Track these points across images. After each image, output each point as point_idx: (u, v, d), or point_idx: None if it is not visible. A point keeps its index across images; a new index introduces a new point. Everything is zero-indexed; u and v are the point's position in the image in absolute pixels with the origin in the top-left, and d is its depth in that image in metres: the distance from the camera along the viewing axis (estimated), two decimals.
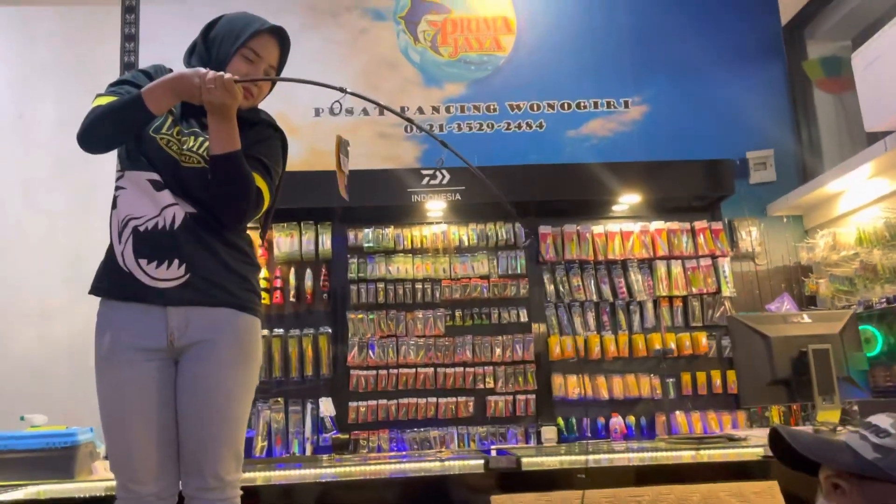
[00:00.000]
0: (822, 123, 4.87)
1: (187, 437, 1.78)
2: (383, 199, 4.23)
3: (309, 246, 4.33)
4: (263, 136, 1.94)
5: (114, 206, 1.83)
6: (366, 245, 4.34)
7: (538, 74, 4.89)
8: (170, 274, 1.77)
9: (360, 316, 4.28)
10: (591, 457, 2.86)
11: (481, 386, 4.26)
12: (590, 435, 4.18)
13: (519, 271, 4.39)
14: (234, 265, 1.85)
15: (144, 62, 4.62)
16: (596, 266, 4.45)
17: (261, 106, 2.01)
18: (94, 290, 1.84)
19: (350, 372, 4.23)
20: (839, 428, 2.84)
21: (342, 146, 1.95)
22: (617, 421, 4.13)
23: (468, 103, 4.85)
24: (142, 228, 1.78)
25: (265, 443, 4.10)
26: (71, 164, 4.49)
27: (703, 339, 4.33)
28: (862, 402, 3.39)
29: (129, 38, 4.81)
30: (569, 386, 4.26)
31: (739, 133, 4.78)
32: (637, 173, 4.32)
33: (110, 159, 1.89)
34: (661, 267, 4.43)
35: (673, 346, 4.30)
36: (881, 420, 1.10)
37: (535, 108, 4.84)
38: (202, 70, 1.73)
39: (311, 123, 4.72)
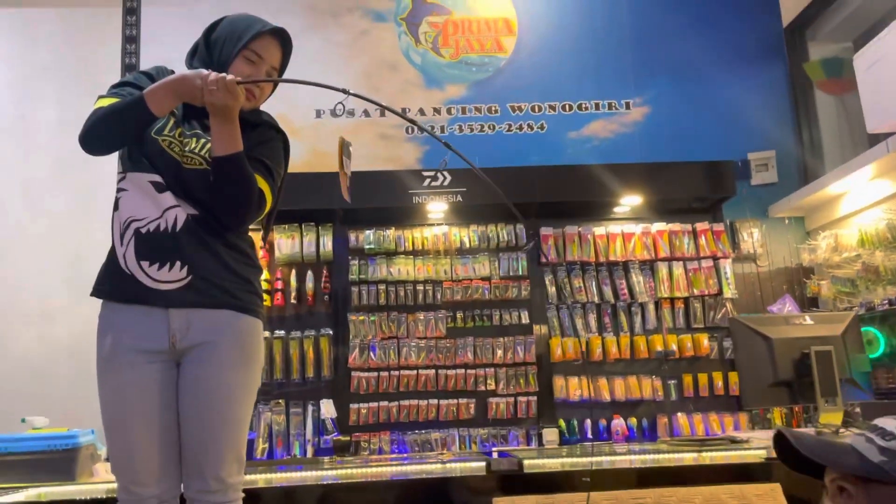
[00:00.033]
0: (824, 125, 4.87)
1: (189, 440, 1.78)
2: (384, 200, 4.23)
3: (310, 247, 4.32)
4: (265, 137, 1.94)
5: (115, 207, 1.83)
6: (367, 246, 4.34)
7: (539, 76, 4.89)
8: (171, 276, 1.76)
9: (361, 317, 4.27)
10: (593, 459, 2.85)
11: (482, 388, 4.25)
12: (591, 437, 4.17)
13: (520, 273, 4.39)
14: (236, 267, 1.85)
15: (145, 64, 4.63)
16: (597, 267, 4.44)
17: (262, 107, 2.00)
18: (96, 292, 1.83)
19: (351, 374, 4.23)
20: (841, 430, 2.83)
21: (344, 148, 1.95)
22: (618, 423, 4.13)
23: (469, 104, 4.85)
24: (144, 230, 1.77)
25: (266, 445, 4.09)
26: (72, 165, 4.49)
27: (704, 340, 4.32)
28: (864, 404, 3.38)
29: (130, 40, 4.81)
30: (570, 388, 4.26)
31: (741, 134, 4.78)
32: (638, 175, 4.32)
33: (111, 161, 1.89)
34: (662, 268, 4.43)
35: (674, 347, 4.30)
36: (887, 423, 1.10)
37: (537, 109, 4.84)
38: (204, 71, 1.72)
39: (313, 125, 4.72)
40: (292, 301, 4.31)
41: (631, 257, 4.42)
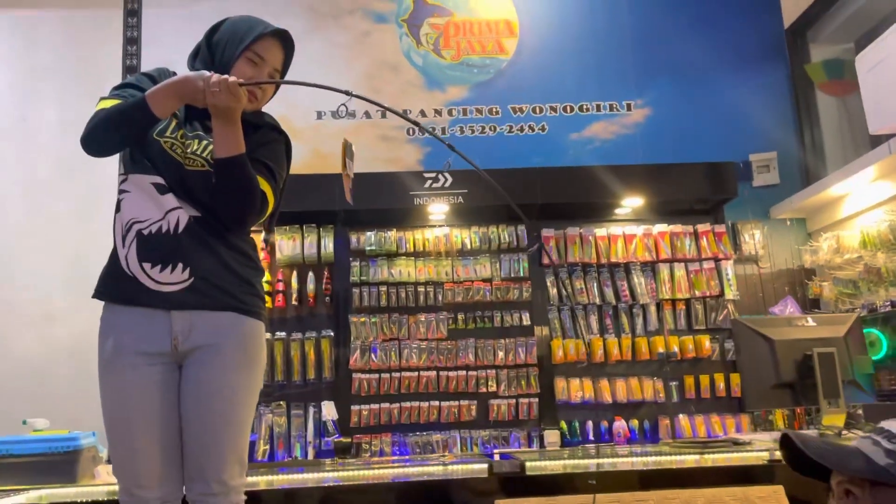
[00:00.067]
0: (826, 126, 4.86)
1: (191, 442, 1.77)
2: (386, 202, 4.23)
3: (311, 249, 4.32)
4: (267, 139, 1.93)
5: (117, 209, 1.82)
6: (368, 248, 4.33)
7: (540, 77, 4.89)
8: (174, 278, 1.76)
9: (362, 319, 4.27)
10: (595, 461, 2.85)
11: (484, 389, 4.25)
12: (593, 438, 4.17)
13: (521, 274, 4.38)
14: (239, 269, 1.84)
15: (146, 65, 4.63)
16: (599, 269, 4.44)
17: (263, 109, 2.00)
18: (98, 295, 1.83)
19: (352, 375, 4.22)
20: (844, 432, 2.83)
21: (347, 150, 1.94)
22: (620, 424, 4.12)
23: (470, 106, 4.85)
24: (146, 232, 1.77)
25: (267, 446, 4.09)
26: (73, 166, 4.49)
27: (706, 342, 4.31)
28: (866, 406, 3.37)
29: (132, 42, 4.81)
30: (571, 389, 4.25)
31: (742, 136, 4.78)
32: (640, 176, 4.31)
33: (112, 162, 1.88)
34: (663, 270, 4.43)
35: (676, 349, 4.29)
36: (893, 425, 1.09)
37: (538, 110, 4.84)
38: (206, 73, 1.72)
39: (314, 126, 4.72)
40: (293, 302, 4.30)
41: (632, 259, 4.42)
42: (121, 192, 1.82)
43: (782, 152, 4.76)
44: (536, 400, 4.25)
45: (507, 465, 2.65)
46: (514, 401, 4.24)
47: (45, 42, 4.81)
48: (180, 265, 1.76)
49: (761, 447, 2.82)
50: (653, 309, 4.40)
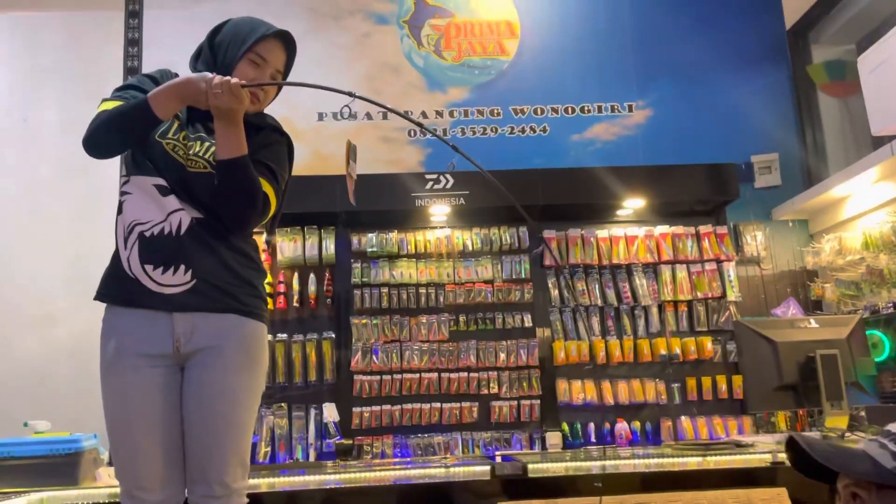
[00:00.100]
0: (828, 127, 4.86)
1: (193, 444, 1.76)
2: (387, 203, 4.22)
3: (312, 250, 4.31)
4: (270, 140, 1.93)
5: (119, 211, 1.82)
6: (369, 249, 4.33)
7: (542, 78, 4.89)
8: (176, 280, 1.76)
9: (363, 321, 4.26)
10: (597, 463, 2.84)
11: (485, 391, 4.24)
12: (595, 440, 4.16)
13: (523, 276, 4.37)
14: (241, 271, 1.84)
15: (148, 67, 4.63)
16: (600, 270, 4.43)
17: (264, 110, 2.00)
18: (100, 297, 1.83)
19: (354, 377, 4.21)
20: (847, 434, 2.82)
21: (351, 151, 1.94)
22: (622, 426, 4.11)
23: (471, 107, 4.85)
24: (148, 234, 1.77)
25: (268, 448, 4.08)
26: (74, 168, 4.49)
27: (708, 343, 4.30)
28: (869, 408, 3.37)
29: (133, 43, 4.81)
30: (573, 391, 4.24)
31: (744, 137, 4.77)
32: (641, 177, 4.31)
33: (113, 164, 1.88)
34: (665, 271, 4.42)
35: (678, 350, 4.28)
36: None
37: (539, 112, 4.83)
38: (209, 75, 1.72)
39: (315, 127, 4.72)
40: (295, 304, 4.30)
41: (634, 260, 4.41)
42: (122, 193, 1.82)
43: (784, 153, 4.75)
44: (538, 402, 4.24)
45: (509, 467, 2.65)
46: (515, 402, 4.23)
47: (47, 43, 4.81)
48: (182, 267, 1.76)
49: (764, 449, 2.81)
50: (654, 310, 4.39)
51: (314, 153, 4.63)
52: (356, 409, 4.16)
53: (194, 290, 1.76)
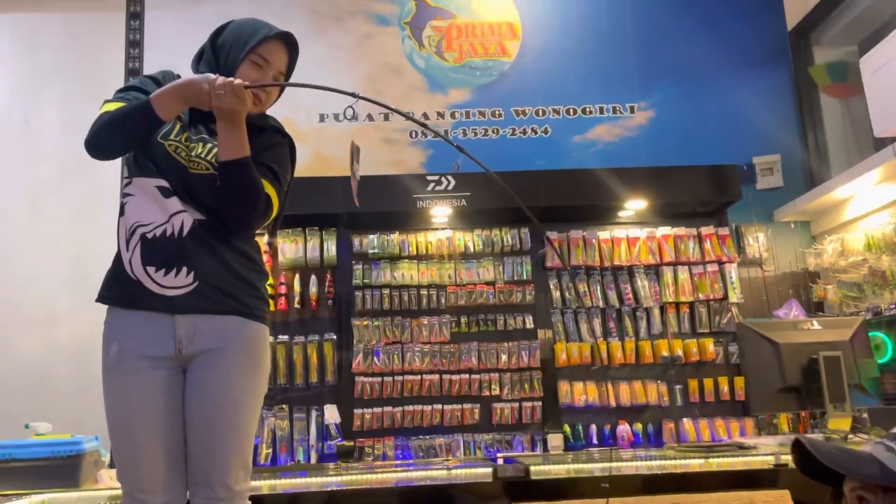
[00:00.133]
0: (829, 129, 4.85)
1: (195, 446, 1.76)
2: (388, 204, 4.21)
3: (314, 252, 4.31)
4: (272, 142, 1.93)
5: (121, 213, 1.81)
6: (371, 251, 4.33)
7: (543, 80, 4.88)
8: (178, 281, 1.75)
9: (364, 322, 4.26)
10: (599, 465, 2.83)
11: (487, 393, 4.23)
12: (597, 442, 4.15)
13: (525, 277, 4.37)
14: (243, 272, 1.83)
15: (149, 68, 4.63)
16: (602, 272, 4.42)
17: (266, 112, 1.99)
18: (102, 299, 1.82)
19: (355, 379, 4.21)
20: (850, 436, 2.82)
21: (354, 153, 1.93)
22: (624, 428, 4.10)
23: (473, 109, 4.85)
24: (150, 236, 1.76)
25: (270, 450, 4.07)
26: (75, 169, 4.48)
27: (710, 345, 4.30)
28: (872, 410, 3.36)
29: (134, 45, 4.81)
30: (575, 393, 4.23)
31: (746, 138, 4.77)
32: (643, 179, 4.30)
33: (115, 165, 1.88)
34: (667, 273, 4.41)
35: (680, 352, 4.27)
36: None
37: (541, 113, 4.83)
38: (211, 76, 1.72)
39: (316, 129, 4.71)
40: (296, 306, 4.29)
41: (636, 262, 4.40)
42: (124, 195, 1.81)
43: (786, 155, 4.75)
44: (540, 403, 4.23)
45: (511, 469, 2.64)
46: (517, 404, 4.22)
47: (47, 44, 4.81)
48: (184, 269, 1.75)
49: (766, 451, 2.81)
50: (656, 312, 4.39)
51: (315, 154, 4.62)
52: (357, 411, 4.16)
53: (196, 292, 1.76)
